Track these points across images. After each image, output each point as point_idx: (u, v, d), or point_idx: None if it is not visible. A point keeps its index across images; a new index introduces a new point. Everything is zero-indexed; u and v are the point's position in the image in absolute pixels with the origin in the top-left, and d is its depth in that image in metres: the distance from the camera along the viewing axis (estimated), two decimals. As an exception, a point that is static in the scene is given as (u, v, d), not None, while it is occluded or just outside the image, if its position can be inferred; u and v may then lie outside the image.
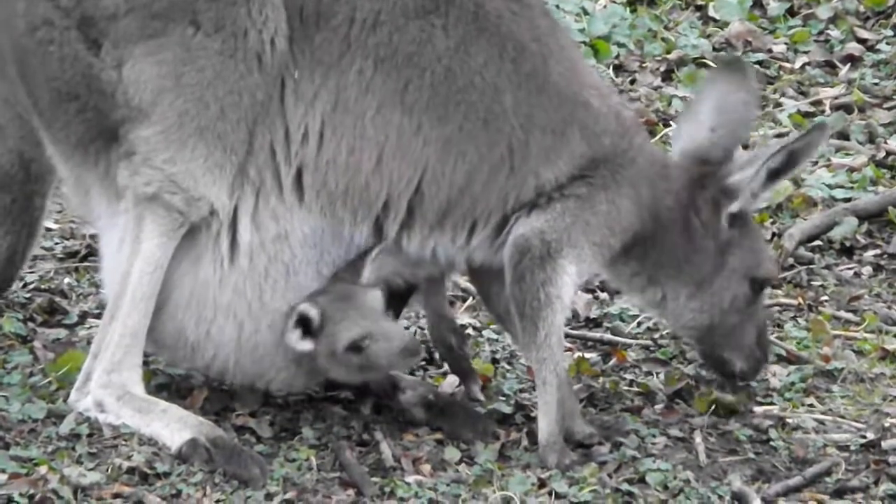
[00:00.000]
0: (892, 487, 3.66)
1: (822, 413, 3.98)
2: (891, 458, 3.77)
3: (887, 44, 5.93)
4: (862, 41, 5.96)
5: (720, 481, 3.68)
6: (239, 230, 3.76)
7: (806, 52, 5.91)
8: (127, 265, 3.75)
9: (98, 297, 4.43)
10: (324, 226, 3.77)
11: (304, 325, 3.74)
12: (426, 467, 3.72)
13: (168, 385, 3.99)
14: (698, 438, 3.79)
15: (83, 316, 4.35)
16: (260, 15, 3.67)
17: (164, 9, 3.68)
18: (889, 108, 5.50)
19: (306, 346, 3.74)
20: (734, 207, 3.86)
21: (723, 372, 3.98)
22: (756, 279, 3.92)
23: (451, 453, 3.77)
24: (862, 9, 6.15)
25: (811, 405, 4.00)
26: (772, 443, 3.83)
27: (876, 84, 5.70)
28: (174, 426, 3.71)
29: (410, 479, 3.67)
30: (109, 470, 3.64)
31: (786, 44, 5.98)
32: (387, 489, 3.65)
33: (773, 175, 3.85)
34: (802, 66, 5.85)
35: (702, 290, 3.88)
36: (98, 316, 4.31)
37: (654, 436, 3.85)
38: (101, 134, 3.74)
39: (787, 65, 5.86)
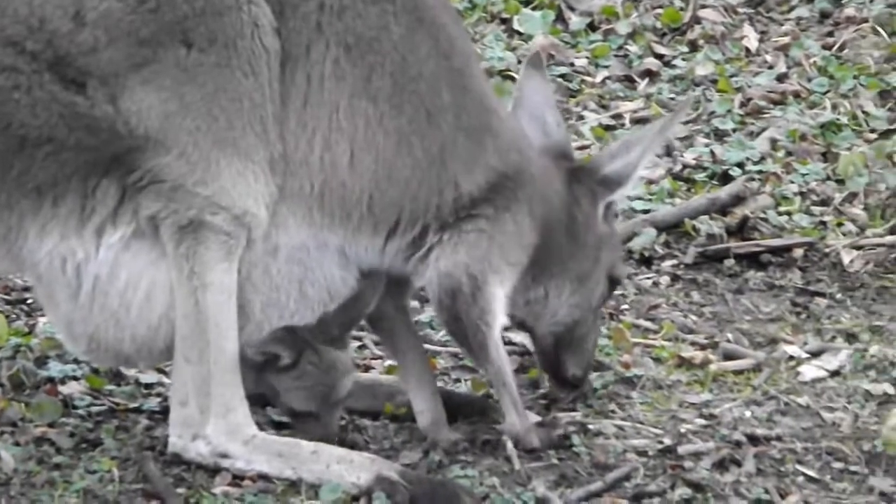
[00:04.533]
0: (688, 492, 3.75)
1: (623, 419, 4.06)
2: (686, 464, 3.86)
3: (683, 59, 6.09)
4: (659, 56, 6.11)
5: (525, 487, 3.73)
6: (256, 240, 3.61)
7: (606, 67, 6.03)
8: (191, 303, 3.56)
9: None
10: (305, 238, 3.65)
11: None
12: (232, 478, 3.69)
13: (-37, 396, 3.88)
14: (510, 445, 3.83)
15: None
16: (248, 17, 3.54)
17: (151, 34, 3.51)
18: (685, 123, 5.65)
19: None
20: (614, 196, 3.85)
21: (556, 374, 3.97)
22: (613, 277, 3.94)
23: (261, 464, 3.75)
24: (659, 25, 6.31)
25: (612, 411, 4.08)
26: (574, 448, 3.89)
27: (672, 98, 5.85)
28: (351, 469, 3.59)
29: (217, 490, 3.63)
30: None
31: (587, 58, 6.09)
32: (192, 500, 3.60)
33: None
34: (603, 80, 5.97)
35: (582, 285, 3.87)
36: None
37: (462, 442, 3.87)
38: (81, 170, 3.53)
39: (589, 78, 5.97)
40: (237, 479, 3.65)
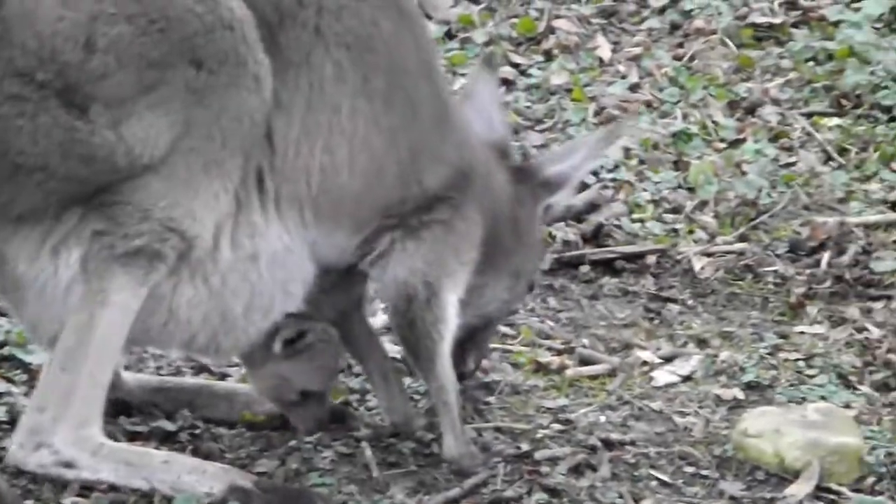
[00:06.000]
0: (544, 497, 3.78)
1: (481, 424, 4.07)
2: (543, 469, 3.89)
3: (539, 69, 6.14)
4: (515, 65, 6.16)
5: (383, 494, 3.72)
6: (221, 250, 3.54)
7: (464, 75, 6.06)
8: (86, 316, 3.47)
9: None
10: (290, 241, 3.59)
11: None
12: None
13: None
14: (368, 452, 3.82)
15: None
16: (251, 33, 3.46)
17: (161, 56, 3.40)
18: (541, 131, 5.70)
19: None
20: (552, 199, 3.88)
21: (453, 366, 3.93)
22: (531, 281, 3.98)
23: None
24: (515, 34, 6.36)
25: (471, 417, 4.09)
26: (433, 455, 3.89)
27: (528, 107, 5.89)
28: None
29: (67, 500, 3.55)
30: None
31: (444, 66, 6.10)
32: (42, 512, 3.53)
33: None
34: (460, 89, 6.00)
35: (516, 282, 3.90)
36: None
37: (321, 450, 3.85)
38: (63, 199, 3.44)
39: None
40: (86, 489, 3.58)
